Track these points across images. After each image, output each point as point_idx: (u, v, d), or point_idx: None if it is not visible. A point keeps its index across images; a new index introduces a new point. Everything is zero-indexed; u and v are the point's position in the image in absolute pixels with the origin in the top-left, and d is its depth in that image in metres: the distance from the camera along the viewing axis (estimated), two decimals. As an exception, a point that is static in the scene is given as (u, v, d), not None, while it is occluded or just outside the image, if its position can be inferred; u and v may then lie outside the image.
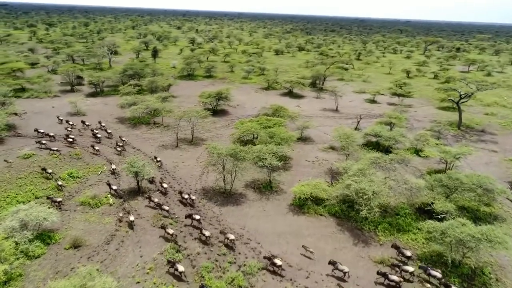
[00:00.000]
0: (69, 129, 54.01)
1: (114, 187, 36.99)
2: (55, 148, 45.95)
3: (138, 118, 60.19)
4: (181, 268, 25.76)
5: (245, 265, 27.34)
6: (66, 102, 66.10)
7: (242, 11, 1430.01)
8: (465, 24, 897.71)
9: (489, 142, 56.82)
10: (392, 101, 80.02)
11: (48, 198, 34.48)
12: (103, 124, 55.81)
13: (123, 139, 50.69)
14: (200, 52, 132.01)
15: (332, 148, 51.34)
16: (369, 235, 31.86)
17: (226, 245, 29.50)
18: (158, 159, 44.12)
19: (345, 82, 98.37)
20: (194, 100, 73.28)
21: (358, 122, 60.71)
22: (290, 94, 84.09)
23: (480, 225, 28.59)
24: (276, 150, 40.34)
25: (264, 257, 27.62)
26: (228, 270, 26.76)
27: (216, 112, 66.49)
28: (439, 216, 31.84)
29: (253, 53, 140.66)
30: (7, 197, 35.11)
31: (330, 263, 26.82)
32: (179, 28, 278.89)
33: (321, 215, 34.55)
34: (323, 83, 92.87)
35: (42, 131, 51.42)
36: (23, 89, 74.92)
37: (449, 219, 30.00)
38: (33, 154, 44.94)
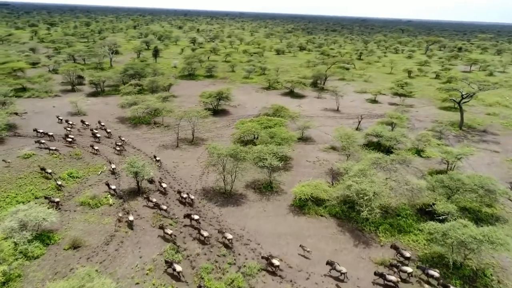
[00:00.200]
0: (69, 128, 53.97)
1: (113, 187, 36.87)
2: (53, 148, 45.90)
3: (138, 118, 60.13)
4: (178, 268, 25.64)
5: (245, 266, 27.19)
6: (67, 101, 66.16)
7: (243, 11, 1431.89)
8: (467, 23, 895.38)
9: (491, 143, 56.50)
10: (394, 101, 79.73)
11: (46, 198, 34.34)
12: (102, 124, 55.78)
13: (122, 138, 50.66)
14: (201, 52, 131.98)
15: (333, 148, 51.12)
16: (370, 236, 31.67)
17: (225, 245, 29.36)
18: (158, 158, 44.03)
19: (346, 82, 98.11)
20: (195, 100, 73.18)
21: (359, 122, 60.49)
22: (291, 94, 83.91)
23: (481, 226, 28.38)
24: (276, 150, 40.19)
25: (262, 257, 27.53)
26: (227, 271, 26.62)
27: (217, 112, 66.37)
28: (441, 217, 31.61)
29: (254, 53, 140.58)
30: (7, 197, 35.05)
31: (328, 263, 26.75)
32: (180, 27, 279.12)
33: (321, 216, 34.37)
34: (324, 83, 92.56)
35: (41, 131, 51.40)
36: (24, 89, 75.01)
37: (450, 220, 29.80)
38: (33, 154, 44.90)
